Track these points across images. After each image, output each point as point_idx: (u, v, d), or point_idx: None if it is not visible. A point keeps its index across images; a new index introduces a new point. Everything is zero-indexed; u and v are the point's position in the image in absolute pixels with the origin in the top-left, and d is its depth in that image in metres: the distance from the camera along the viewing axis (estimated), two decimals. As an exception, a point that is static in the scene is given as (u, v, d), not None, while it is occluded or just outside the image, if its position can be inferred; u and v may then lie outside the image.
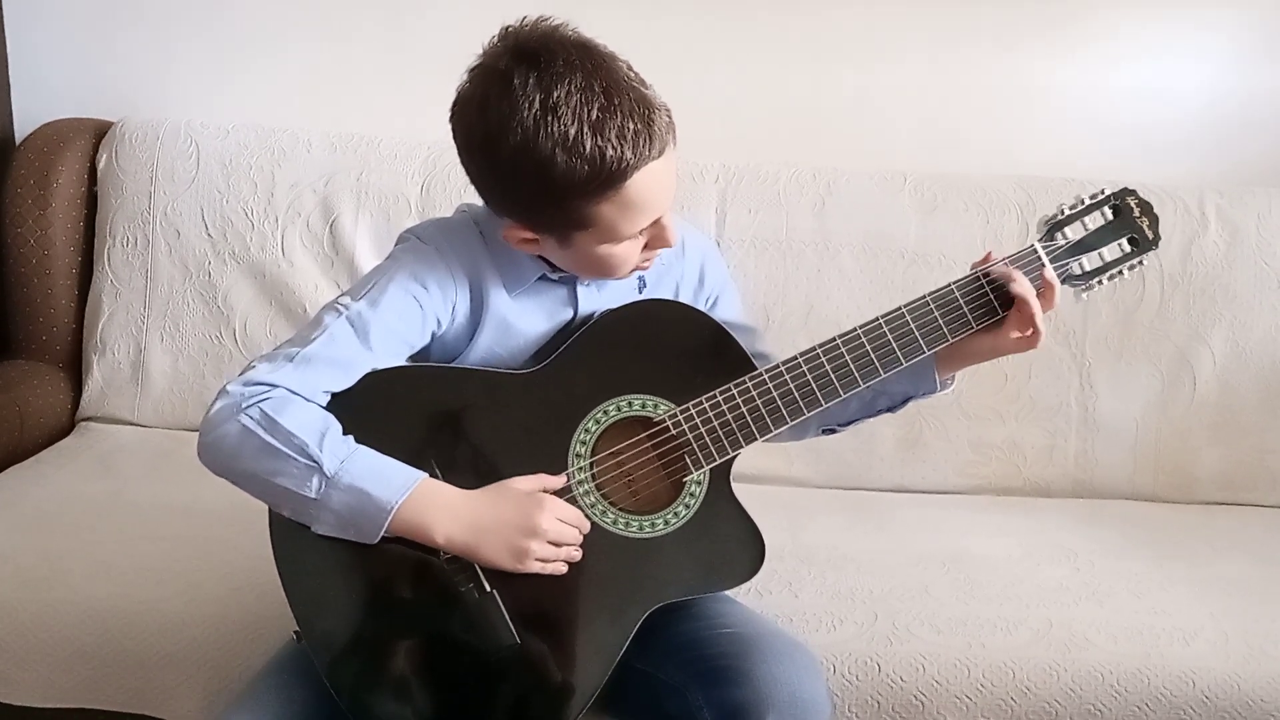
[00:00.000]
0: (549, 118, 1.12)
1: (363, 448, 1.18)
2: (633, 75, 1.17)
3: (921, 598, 1.58)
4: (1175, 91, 2.22)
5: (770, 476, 2.00)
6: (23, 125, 2.21)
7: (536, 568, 1.20)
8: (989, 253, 1.33)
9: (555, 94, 1.12)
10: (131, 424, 2.07)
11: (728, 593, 1.35)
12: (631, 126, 1.13)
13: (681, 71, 2.15)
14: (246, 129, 2.11)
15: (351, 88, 2.23)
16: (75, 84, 2.24)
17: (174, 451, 1.95)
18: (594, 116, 1.12)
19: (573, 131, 1.12)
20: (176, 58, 2.24)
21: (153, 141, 2.09)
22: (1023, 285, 1.28)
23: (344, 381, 1.21)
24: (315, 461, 1.14)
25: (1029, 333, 1.29)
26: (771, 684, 1.19)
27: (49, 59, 2.23)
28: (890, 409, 1.42)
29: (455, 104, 1.19)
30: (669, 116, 1.18)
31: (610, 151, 1.13)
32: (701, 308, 1.38)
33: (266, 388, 1.16)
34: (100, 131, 2.14)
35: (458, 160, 1.22)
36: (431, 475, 1.19)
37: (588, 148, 1.12)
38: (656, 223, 1.22)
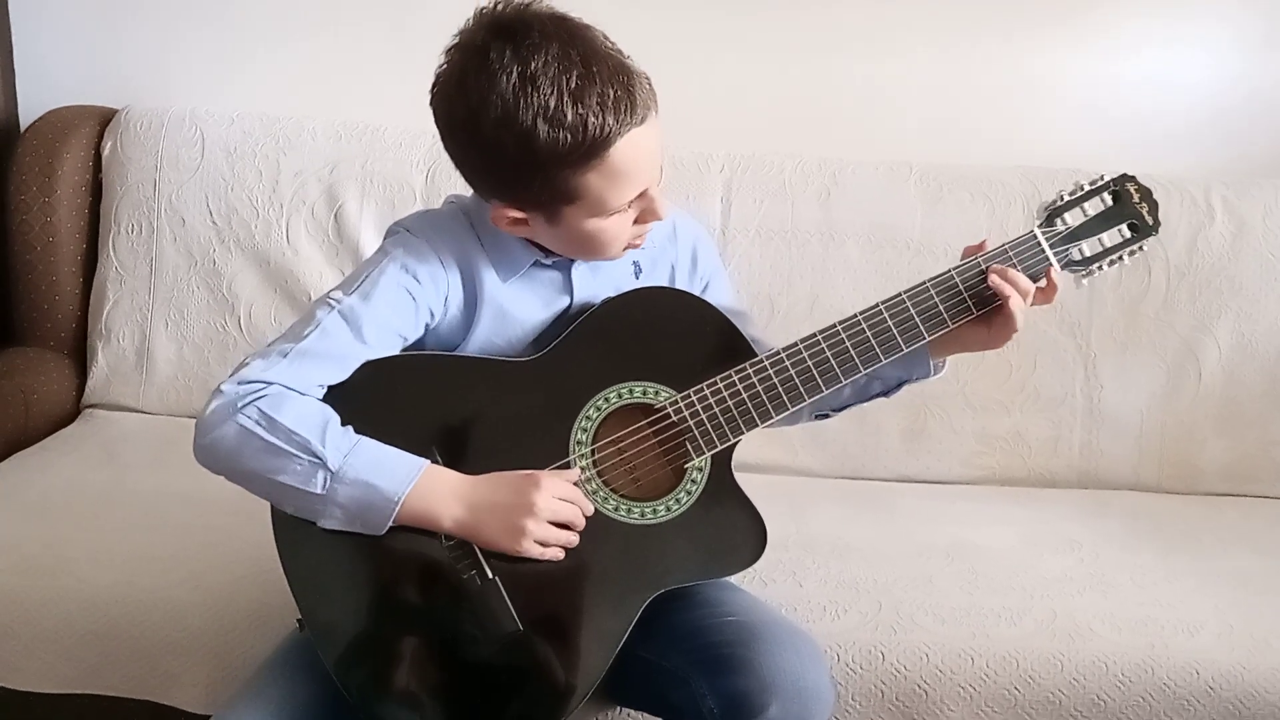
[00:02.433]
0: (528, 89, 1.11)
1: (364, 439, 1.17)
2: (610, 44, 1.16)
3: (925, 587, 1.58)
4: (1181, 82, 2.21)
5: (775, 466, 2.00)
6: (28, 112, 2.21)
7: (535, 550, 1.20)
8: (984, 240, 1.32)
9: (533, 65, 1.11)
10: (136, 411, 2.07)
11: (731, 580, 1.36)
12: (612, 93, 1.12)
13: (687, 62, 2.16)
14: (251, 117, 2.11)
15: (356, 76, 2.23)
16: (80, 71, 2.23)
17: (178, 439, 1.91)
18: (573, 85, 1.11)
19: (553, 101, 1.11)
20: (181, 45, 2.24)
21: (158, 129, 2.08)
22: (1010, 276, 1.27)
23: (338, 375, 1.20)
24: (319, 458, 1.14)
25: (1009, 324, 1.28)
26: (775, 672, 1.18)
27: (54, 46, 2.23)
28: (885, 393, 1.42)
29: (434, 85, 1.18)
30: (649, 84, 1.17)
31: (592, 119, 1.12)
32: (695, 291, 1.37)
33: (261, 385, 1.16)
34: (105, 119, 2.14)
35: (459, 148, 1.22)
36: (433, 462, 1.19)
37: (569, 117, 1.11)
38: (644, 195, 1.21)
